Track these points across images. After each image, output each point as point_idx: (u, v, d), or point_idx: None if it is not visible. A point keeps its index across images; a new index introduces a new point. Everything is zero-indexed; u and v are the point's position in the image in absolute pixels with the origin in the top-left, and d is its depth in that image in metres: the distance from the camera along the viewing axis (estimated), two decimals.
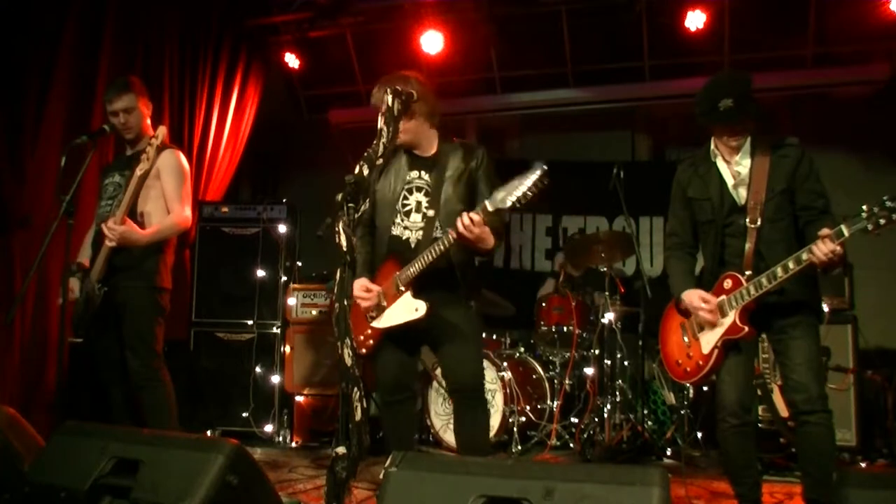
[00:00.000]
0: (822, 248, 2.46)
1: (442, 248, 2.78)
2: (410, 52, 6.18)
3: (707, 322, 2.79)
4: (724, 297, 2.76)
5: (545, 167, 2.59)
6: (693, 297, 2.81)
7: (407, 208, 2.98)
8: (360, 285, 2.95)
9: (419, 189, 2.98)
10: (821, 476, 2.63)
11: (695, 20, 5.59)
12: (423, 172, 2.99)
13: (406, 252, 2.93)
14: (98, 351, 3.51)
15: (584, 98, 6.43)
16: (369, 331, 3.00)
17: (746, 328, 2.70)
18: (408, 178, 3.00)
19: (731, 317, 2.73)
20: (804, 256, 2.53)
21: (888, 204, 2.35)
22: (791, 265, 2.57)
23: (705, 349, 2.81)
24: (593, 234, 5.46)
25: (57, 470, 2.39)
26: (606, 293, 4.89)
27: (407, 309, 2.87)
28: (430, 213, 2.92)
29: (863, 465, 4.34)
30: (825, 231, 2.48)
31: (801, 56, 5.81)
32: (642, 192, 5.64)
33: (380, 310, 2.96)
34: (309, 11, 6.23)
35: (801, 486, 2.77)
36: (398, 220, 2.98)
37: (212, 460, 2.14)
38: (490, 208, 2.66)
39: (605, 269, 4.93)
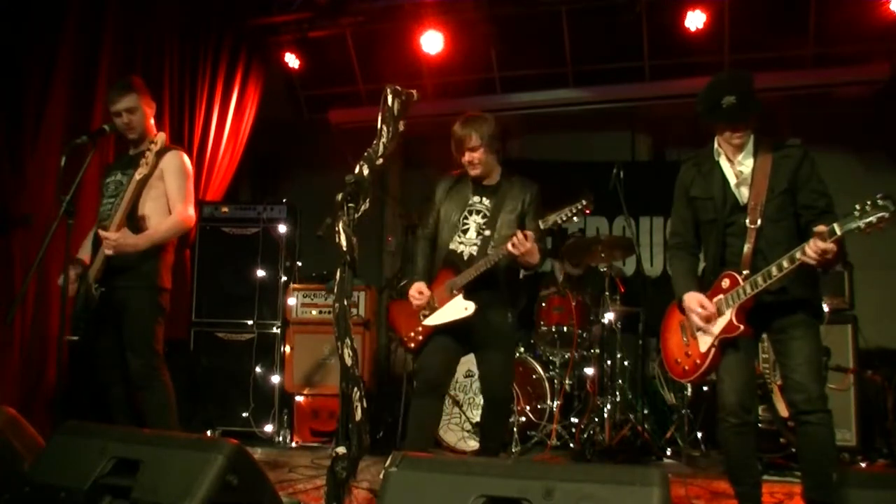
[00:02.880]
0: (814, 247, 2.47)
1: (495, 259, 3.23)
2: (410, 52, 6.18)
3: (699, 326, 2.81)
4: (721, 296, 2.77)
5: (591, 197, 3.21)
6: (692, 300, 2.82)
7: (465, 227, 3.42)
8: (416, 287, 3.40)
9: (478, 212, 3.42)
10: (821, 476, 2.63)
11: (695, 20, 5.59)
12: (484, 198, 3.43)
13: (460, 263, 3.36)
14: (98, 351, 3.50)
15: (584, 98, 6.42)
16: (420, 328, 3.41)
17: (742, 327, 2.71)
18: (470, 201, 3.44)
19: (728, 315, 2.74)
20: (797, 255, 2.54)
21: (880, 202, 2.34)
22: (785, 264, 2.58)
23: (703, 348, 2.82)
24: (594, 236, 5.44)
25: (57, 470, 2.39)
26: (606, 293, 4.89)
27: (457, 309, 3.29)
28: (487, 233, 3.36)
29: (863, 465, 4.34)
30: (820, 228, 2.46)
31: (801, 56, 5.80)
32: (642, 192, 5.64)
33: (432, 310, 3.37)
34: (309, 11, 6.22)
35: (801, 486, 2.78)
36: (457, 237, 3.41)
37: (212, 460, 2.14)
38: (542, 227, 3.22)
39: (605, 269, 4.93)
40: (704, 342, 2.82)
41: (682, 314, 2.94)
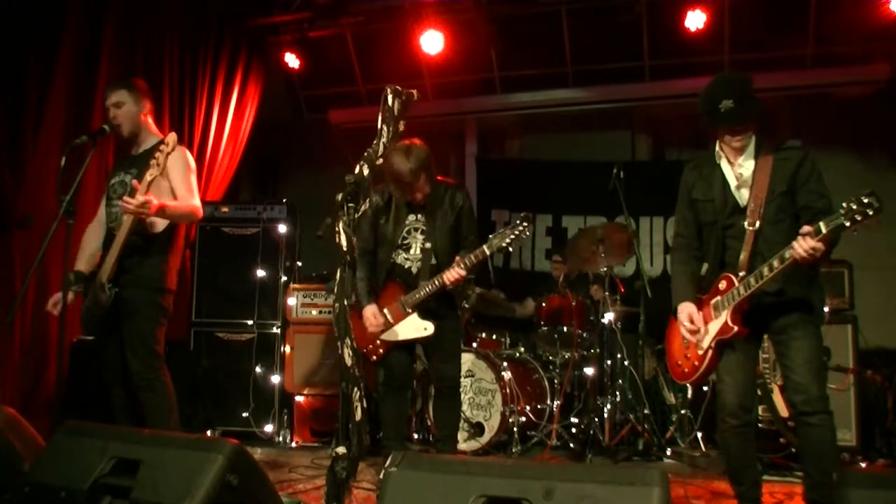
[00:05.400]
0: (803, 245, 2.47)
1: (437, 286, 3.47)
2: (410, 52, 6.19)
3: (686, 337, 2.88)
4: (718, 297, 2.79)
5: (530, 216, 3.40)
6: (683, 312, 2.87)
7: (406, 244, 3.64)
8: (371, 312, 3.56)
9: (416, 229, 3.64)
10: (822, 477, 2.64)
11: (695, 20, 5.59)
12: (419, 215, 3.63)
13: (408, 277, 3.62)
14: (104, 351, 3.51)
15: (584, 98, 6.43)
16: (379, 342, 3.62)
17: (736, 328, 2.72)
18: (406, 221, 3.63)
19: (723, 317, 2.75)
20: (786, 254, 2.55)
21: (865, 200, 2.35)
22: (776, 263, 2.59)
23: (700, 350, 2.85)
24: (591, 230, 5.29)
25: (57, 470, 2.39)
26: (606, 293, 4.88)
27: (416, 328, 3.54)
28: (427, 245, 3.59)
29: (863, 465, 4.33)
30: (806, 228, 2.49)
31: (801, 56, 5.81)
32: (642, 192, 5.64)
33: (388, 325, 3.57)
34: (309, 11, 6.23)
35: (801, 486, 2.78)
36: (400, 252, 3.64)
37: (212, 460, 2.14)
38: (488, 251, 3.38)
39: (605, 269, 4.93)
40: (703, 344, 2.84)
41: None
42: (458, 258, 3.45)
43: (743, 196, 2.80)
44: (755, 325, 2.77)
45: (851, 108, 5.96)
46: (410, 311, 3.55)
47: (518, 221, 3.39)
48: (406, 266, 3.63)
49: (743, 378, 2.81)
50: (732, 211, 2.81)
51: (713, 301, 2.80)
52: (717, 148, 2.87)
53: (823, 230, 2.42)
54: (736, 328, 2.72)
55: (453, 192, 3.66)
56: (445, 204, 3.62)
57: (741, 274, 2.72)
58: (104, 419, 3.42)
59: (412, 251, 3.63)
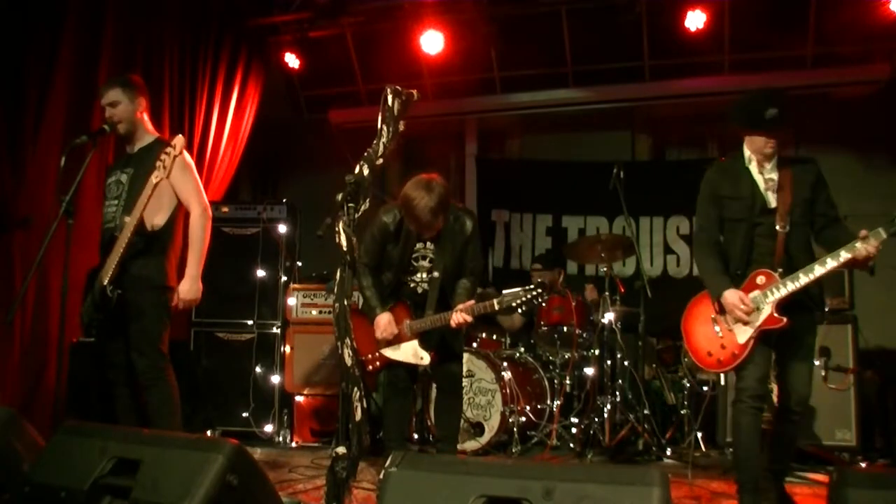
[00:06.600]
0: (867, 247, 2.80)
1: (443, 323, 3.54)
2: (410, 52, 6.19)
3: (740, 320, 3.01)
4: (757, 291, 2.98)
5: (546, 287, 3.48)
6: (734, 297, 3.01)
7: (414, 270, 3.69)
8: (386, 320, 3.62)
9: (424, 257, 3.68)
10: (788, 455, 3.17)
11: (695, 20, 5.60)
12: (428, 243, 3.66)
13: (417, 298, 3.69)
14: (107, 352, 3.49)
15: (584, 98, 6.44)
16: (378, 354, 3.70)
17: (784, 319, 2.92)
18: (416, 247, 3.66)
19: (768, 309, 2.95)
20: (842, 255, 2.83)
21: None
22: (831, 262, 2.86)
23: (741, 339, 3.01)
24: (594, 236, 5.37)
25: (57, 470, 2.39)
26: (606, 293, 4.89)
27: (414, 354, 3.64)
28: (435, 274, 3.65)
29: (863, 465, 4.33)
30: (864, 232, 2.82)
31: (801, 56, 5.81)
32: (642, 192, 5.64)
33: (394, 341, 3.65)
34: (309, 11, 6.24)
35: (801, 486, 2.80)
36: (409, 276, 3.70)
37: (212, 460, 2.14)
38: (497, 307, 3.49)
39: (605, 268, 4.93)
40: (743, 334, 3.00)
41: (717, 310, 3.10)
42: (468, 303, 3.51)
43: (770, 199, 3.04)
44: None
45: (851, 108, 5.96)
46: (413, 336, 3.63)
47: (533, 287, 3.47)
48: (412, 286, 3.70)
49: (764, 370, 3.01)
50: (762, 211, 3.04)
51: (751, 295, 2.98)
52: (746, 153, 3.10)
53: (884, 235, 2.77)
54: (784, 320, 2.92)
55: (463, 218, 3.67)
56: (455, 232, 3.63)
57: (780, 270, 2.96)
58: (105, 419, 3.43)
59: (419, 275, 3.70)
